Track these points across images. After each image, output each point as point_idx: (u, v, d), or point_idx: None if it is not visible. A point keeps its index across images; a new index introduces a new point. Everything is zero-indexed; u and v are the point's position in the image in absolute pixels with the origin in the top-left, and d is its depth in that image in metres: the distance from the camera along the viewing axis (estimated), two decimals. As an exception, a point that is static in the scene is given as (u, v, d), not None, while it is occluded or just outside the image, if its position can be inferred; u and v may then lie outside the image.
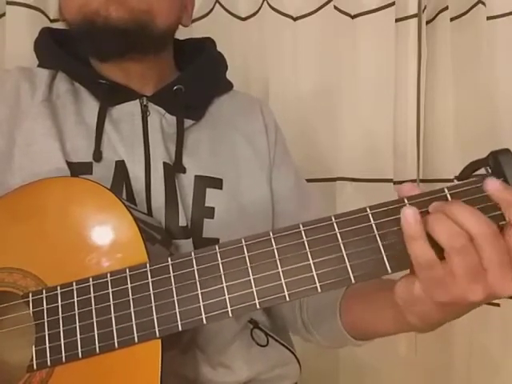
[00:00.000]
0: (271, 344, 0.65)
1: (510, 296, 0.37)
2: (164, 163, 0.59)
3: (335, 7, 1.06)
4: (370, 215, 0.40)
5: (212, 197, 0.61)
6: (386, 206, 0.40)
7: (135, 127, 0.61)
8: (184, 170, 0.61)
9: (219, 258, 0.42)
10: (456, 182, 0.40)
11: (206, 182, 0.61)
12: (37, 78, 0.62)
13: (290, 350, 0.67)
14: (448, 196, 0.39)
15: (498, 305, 1.04)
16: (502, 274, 0.36)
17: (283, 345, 0.67)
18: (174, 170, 0.60)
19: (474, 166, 0.42)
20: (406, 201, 0.40)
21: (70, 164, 0.56)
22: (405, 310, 0.42)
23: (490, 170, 0.40)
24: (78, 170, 0.56)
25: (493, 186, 0.38)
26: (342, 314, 0.56)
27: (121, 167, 0.58)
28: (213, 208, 0.60)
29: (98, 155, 0.57)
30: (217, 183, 0.62)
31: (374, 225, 0.40)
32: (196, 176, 0.61)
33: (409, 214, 0.37)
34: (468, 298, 0.37)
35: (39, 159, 0.56)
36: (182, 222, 0.57)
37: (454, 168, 1.04)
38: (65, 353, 0.44)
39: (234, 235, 0.43)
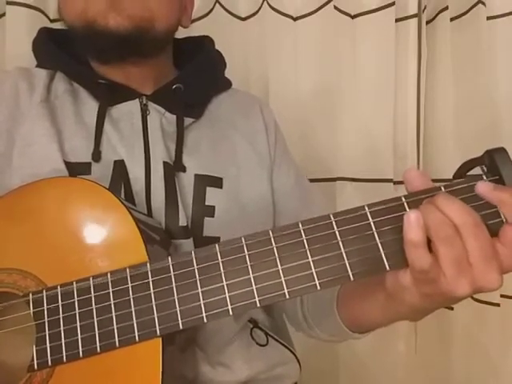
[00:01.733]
0: (271, 343, 0.65)
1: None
2: (164, 162, 0.59)
3: (335, 7, 1.06)
4: (369, 213, 0.40)
5: (212, 196, 0.61)
6: (384, 204, 0.40)
7: (135, 127, 0.61)
8: (184, 169, 0.60)
9: (219, 257, 0.42)
10: (453, 181, 0.41)
11: (206, 181, 0.61)
12: (35, 79, 0.62)
13: (289, 349, 0.67)
14: None
15: (498, 305, 1.04)
16: (486, 267, 0.36)
17: (283, 344, 0.67)
18: (174, 169, 0.60)
19: (470, 164, 0.42)
20: (403, 199, 0.40)
21: (68, 164, 0.56)
22: (395, 298, 0.42)
23: (485, 169, 0.40)
24: (77, 170, 0.56)
25: (483, 188, 0.38)
26: (339, 308, 0.56)
27: (120, 167, 0.58)
28: (213, 207, 0.60)
29: (97, 155, 0.57)
30: (217, 182, 0.62)
31: (372, 223, 0.40)
32: (196, 175, 0.61)
33: (412, 219, 0.37)
34: (455, 292, 0.37)
35: (38, 160, 0.56)
36: (182, 221, 0.57)
37: (454, 168, 1.03)
38: (65, 352, 0.43)
39: (235, 234, 0.43)
